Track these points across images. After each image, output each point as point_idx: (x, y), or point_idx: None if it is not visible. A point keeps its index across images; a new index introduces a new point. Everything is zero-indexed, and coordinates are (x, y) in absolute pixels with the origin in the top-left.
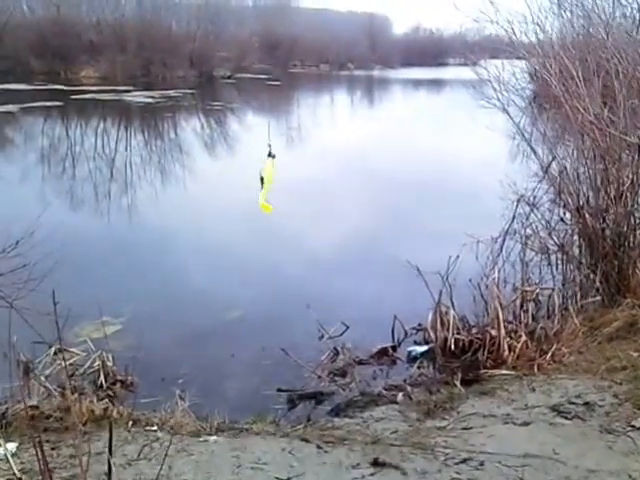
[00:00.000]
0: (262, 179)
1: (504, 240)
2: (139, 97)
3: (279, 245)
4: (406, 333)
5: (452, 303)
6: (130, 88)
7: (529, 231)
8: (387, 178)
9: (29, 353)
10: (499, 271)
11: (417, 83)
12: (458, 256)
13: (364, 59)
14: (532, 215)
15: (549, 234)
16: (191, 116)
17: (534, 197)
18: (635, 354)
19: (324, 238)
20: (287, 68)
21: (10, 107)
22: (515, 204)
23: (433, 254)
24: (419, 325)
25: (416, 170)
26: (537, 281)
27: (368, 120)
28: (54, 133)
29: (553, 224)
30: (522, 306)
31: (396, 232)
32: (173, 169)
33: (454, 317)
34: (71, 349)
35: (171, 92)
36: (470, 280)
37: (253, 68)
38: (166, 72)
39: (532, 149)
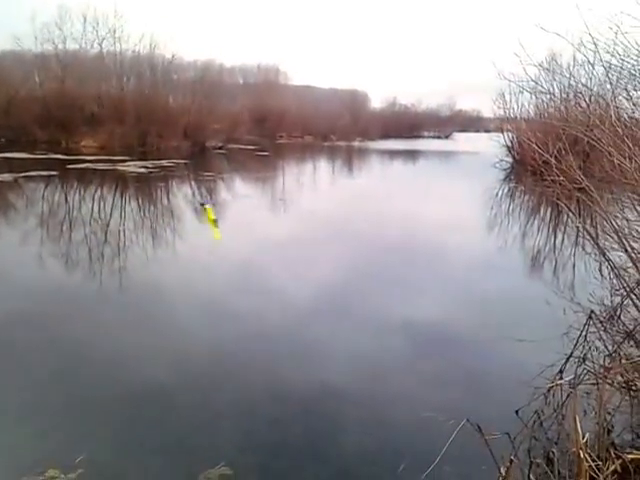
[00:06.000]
0: (215, 221)
1: (578, 376)
2: (133, 167)
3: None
4: None
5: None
6: (126, 158)
7: (602, 358)
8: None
9: None
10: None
11: (394, 153)
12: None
13: (345, 131)
14: (603, 336)
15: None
16: (183, 185)
17: (612, 312)
18: None
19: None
20: (274, 139)
21: (7, 176)
22: (585, 322)
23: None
24: None
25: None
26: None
27: (349, 187)
28: (46, 200)
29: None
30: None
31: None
32: (161, 236)
33: None
34: None
35: (164, 162)
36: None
37: (243, 139)
38: (161, 143)
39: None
